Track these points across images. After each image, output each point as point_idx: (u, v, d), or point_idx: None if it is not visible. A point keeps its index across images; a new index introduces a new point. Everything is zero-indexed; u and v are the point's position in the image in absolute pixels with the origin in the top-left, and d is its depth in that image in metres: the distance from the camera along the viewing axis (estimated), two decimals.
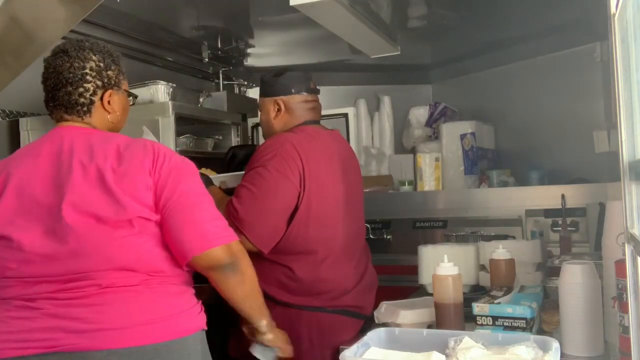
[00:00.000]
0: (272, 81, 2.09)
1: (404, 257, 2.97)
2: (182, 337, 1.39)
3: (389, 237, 3.38)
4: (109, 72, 1.56)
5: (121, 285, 1.37)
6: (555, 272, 1.87)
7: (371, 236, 3.29)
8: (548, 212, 2.89)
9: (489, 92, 3.71)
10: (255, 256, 1.76)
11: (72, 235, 1.36)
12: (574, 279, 1.48)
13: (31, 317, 1.35)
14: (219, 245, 1.43)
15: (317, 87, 2.15)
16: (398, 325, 1.73)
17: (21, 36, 1.89)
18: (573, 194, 2.78)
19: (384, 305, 1.89)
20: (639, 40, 1.00)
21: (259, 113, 2.16)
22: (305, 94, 2.08)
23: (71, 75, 1.50)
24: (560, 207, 2.65)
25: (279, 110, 2.07)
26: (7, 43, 1.88)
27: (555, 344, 1.21)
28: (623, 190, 1.12)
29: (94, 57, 1.53)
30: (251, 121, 3.42)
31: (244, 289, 1.53)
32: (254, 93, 3.86)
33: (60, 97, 1.51)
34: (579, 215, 2.77)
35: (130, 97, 1.67)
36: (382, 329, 1.39)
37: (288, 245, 1.92)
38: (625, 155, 1.10)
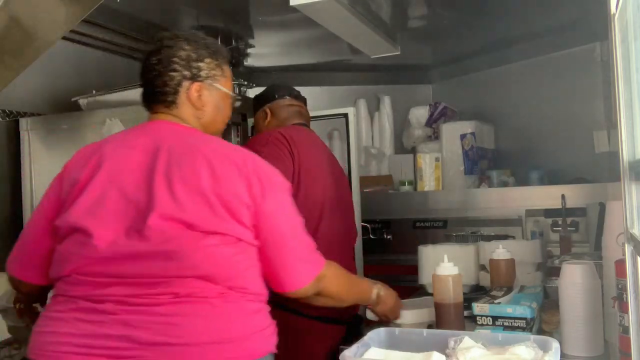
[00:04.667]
0: (258, 96, 2.22)
1: (404, 257, 2.97)
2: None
3: (389, 237, 3.38)
4: (200, 64, 1.46)
5: (198, 296, 1.26)
6: (555, 272, 1.87)
7: (371, 236, 3.29)
8: (548, 212, 2.89)
9: (489, 92, 3.71)
10: None
11: (159, 237, 1.27)
12: (574, 279, 1.48)
13: (98, 322, 1.25)
14: (309, 282, 1.43)
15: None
16: (398, 326, 1.73)
17: (21, 36, 1.88)
18: (573, 194, 2.78)
19: None
20: (639, 40, 1.00)
21: (255, 131, 2.24)
22: (288, 97, 2.15)
23: (160, 64, 1.44)
24: (560, 207, 2.65)
25: (266, 116, 2.16)
26: (7, 43, 1.88)
27: (555, 344, 1.21)
28: (623, 190, 1.12)
29: (186, 47, 1.45)
30: (251, 121, 3.42)
31: (333, 302, 1.56)
32: (254, 93, 3.83)
33: (150, 87, 1.47)
34: (579, 215, 2.77)
35: (234, 99, 1.57)
36: (382, 329, 1.39)
37: None
38: (625, 155, 1.10)
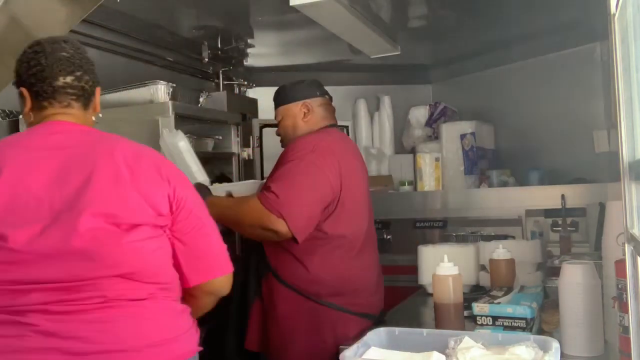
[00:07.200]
0: (298, 86, 2.16)
1: (404, 257, 2.97)
2: None
3: (389, 237, 3.39)
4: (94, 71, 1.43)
5: (128, 298, 1.23)
6: (555, 272, 1.88)
7: None
8: (548, 212, 2.89)
9: (489, 92, 3.71)
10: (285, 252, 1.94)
11: (77, 235, 1.19)
12: (574, 279, 1.48)
13: (19, 335, 1.17)
14: (223, 275, 1.40)
15: None
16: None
17: (21, 36, 1.88)
18: (573, 194, 2.78)
19: None
20: (639, 40, 1.00)
21: (281, 122, 2.17)
22: (327, 97, 2.17)
23: (78, 60, 1.36)
24: (560, 207, 2.65)
25: (307, 112, 2.12)
26: (7, 43, 1.88)
27: (555, 344, 1.21)
28: (623, 190, 1.12)
29: (86, 52, 1.42)
30: (257, 121, 3.43)
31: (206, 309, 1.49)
32: (254, 93, 3.86)
33: (69, 83, 1.35)
34: (579, 215, 2.77)
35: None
36: (382, 329, 1.39)
37: (319, 237, 1.94)
38: (625, 155, 1.10)
